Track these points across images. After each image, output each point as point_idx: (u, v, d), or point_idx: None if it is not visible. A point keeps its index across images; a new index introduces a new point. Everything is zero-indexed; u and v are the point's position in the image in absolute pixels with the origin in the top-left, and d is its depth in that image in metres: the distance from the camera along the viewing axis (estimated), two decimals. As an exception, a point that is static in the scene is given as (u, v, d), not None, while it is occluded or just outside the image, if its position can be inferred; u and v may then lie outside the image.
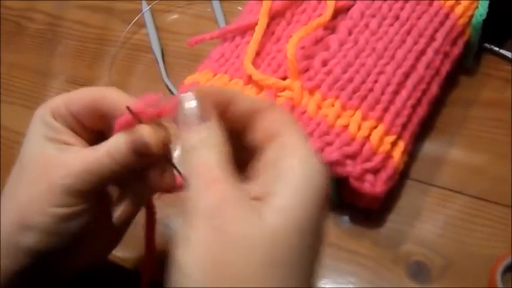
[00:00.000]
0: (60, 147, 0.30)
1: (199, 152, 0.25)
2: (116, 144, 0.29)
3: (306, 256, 0.24)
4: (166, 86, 0.52)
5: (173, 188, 0.32)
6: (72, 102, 0.31)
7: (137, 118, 0.29)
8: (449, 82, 0.45)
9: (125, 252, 0.42)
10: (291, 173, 0.24)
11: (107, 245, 0.35)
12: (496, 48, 0.48)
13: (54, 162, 0.30)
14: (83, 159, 0.29)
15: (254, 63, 0.43)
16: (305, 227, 0.24)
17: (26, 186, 0.30)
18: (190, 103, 0.26)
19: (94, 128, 0.32)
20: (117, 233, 0.35)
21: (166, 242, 0.42)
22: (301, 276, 0.24)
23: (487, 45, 0.48)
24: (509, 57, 0.47)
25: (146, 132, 0.29)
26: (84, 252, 0.33)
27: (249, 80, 0.42)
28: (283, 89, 0.41)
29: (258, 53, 0.44)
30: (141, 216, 0.36)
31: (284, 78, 0.42)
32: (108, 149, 0.29)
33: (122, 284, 0.41)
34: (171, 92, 0.51)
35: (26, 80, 0.58)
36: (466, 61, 0.46)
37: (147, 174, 0.31)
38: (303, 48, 0.42)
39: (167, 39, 0.55)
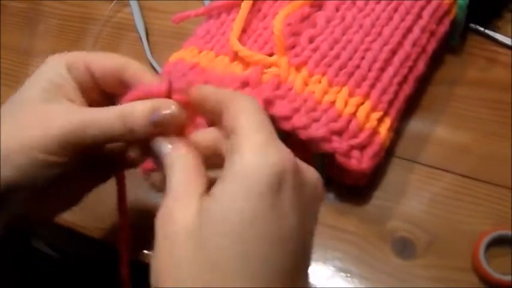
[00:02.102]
0: (61, 100, 0.31)
1: (170, 172, 0.28)
2: (132, 110, 0.30)
3: (232, 244, 0.24)
4: (151, 64, 0.51)
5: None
6: (94, 62, 0.32)
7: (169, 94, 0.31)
8: (435, 61, 0.45)
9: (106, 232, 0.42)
10: (234, 164, 0.26)
11: (73, 199, 0.36)
12: (481, 28, 0.48)
13: (54, 111, 0.30)
14: (92, 114, 0.30)
15: (240, 40, 0.42)
16: (231, 217, 0.25)
17: (18, 124, 0.30)
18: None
19: (106, 91, 0.33)
20: (84, 189, 0.35)
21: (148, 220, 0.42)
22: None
23: (472, 25, 0.48)
24: (494, 37, 0.47)
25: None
26: (50, 201, 0.33)
27: (235, 56, 0.42)
28: (270, 66, 0.41)
29: (244, 30, 0.43)
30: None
31: (271, 55, 0.41)
32: (123, 112, 0.30)
33: (104, 263, 0.40)
34: (156, 71, 0.50)
35: (7, 59, 0.57)
36: (452, 40, 0.46)
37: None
38: (289, 25, 0.42)
39: (151, 17, 0.55)
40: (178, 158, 0.28)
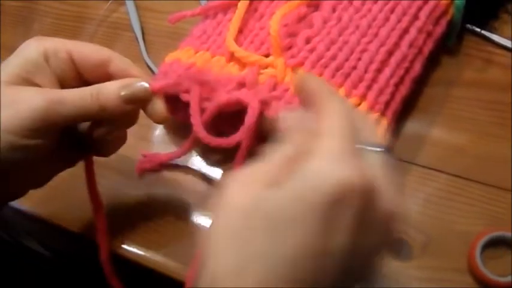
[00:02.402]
0: (32, 84, 0.32)
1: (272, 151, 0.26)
2: (104, 86, 0.32)
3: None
4: (147, 64, 0.51)
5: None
6: (77, 52, 0.33)
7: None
8: (432, 62, 0.45)
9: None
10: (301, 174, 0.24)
11: (40, 181, 0.36)
12: (478, 29, 0.48)
13: (24, 94, 0.31)
14: (63, 92, 0.32)
15: (236, 40, 0.42)
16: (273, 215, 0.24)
17: None
18: None
19: (88, 81, 0.34)
20: (52, 171, 0.36)
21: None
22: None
23: (469, 26, 0.48)
24: (490, 38, 0.47)
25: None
26: (16, 182, 0.34)
27: (231, 57, 0.42)
28: (266, 66, 0.41)
29: (240, 30, 0.43)
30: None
31: (267, 56, 0.41)
32: (95, 89, 0.32)
33: (95, 260, 0.40)
34: (152, 71, 0.50)
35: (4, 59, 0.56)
36: (449, 41, 0.46)
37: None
38: (286, 25, 0.42)
39: (147, 17, 0.54)
40: (283, 146, 0.26)
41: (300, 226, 0.23)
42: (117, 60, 0.34)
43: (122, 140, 0.37)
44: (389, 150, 0.26)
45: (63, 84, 0.33)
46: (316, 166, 0.24)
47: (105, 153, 0.37)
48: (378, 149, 0.26)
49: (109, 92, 0.32)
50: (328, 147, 0.24)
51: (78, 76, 0.34)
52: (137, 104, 0.33)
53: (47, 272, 0.62)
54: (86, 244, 0.42)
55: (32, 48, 0.33)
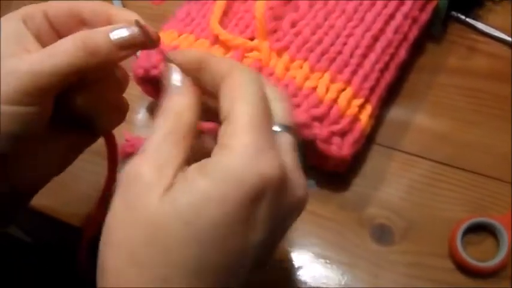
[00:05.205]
0: (19, 53, 0.29)
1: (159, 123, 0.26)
2: (93, 32, 0.29)
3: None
4: (130, 47, 0.50)
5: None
6: (50, 8, 0.31)
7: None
8: (417, 49, 0.45)
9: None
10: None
11: (51, 167, 0.34)
12: (463, 17, 0.48)
13: (12, 65, 0.28)
14: (48, 48, 0.29)
15: (221, 23, 0.42)
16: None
17: None
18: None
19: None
20: (63, 158, 0.34)
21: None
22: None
23: (454, 13, 0.48)
24: (474, 26, 0.47)
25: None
26: (27, 166, 0.32)
27: (216, 40, 0.41)
28: (251, 50, 0.40)
29: (225, 13, 0.42)
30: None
31: (252, 39, 0.41)
32: (83, 35, 0.29)
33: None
34: (134, 54, 0.49)
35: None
36: (434, 28, 0.46)
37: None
38: (271, 8, 0.41)
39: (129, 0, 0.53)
40: (176, 110, 0.26)
41: (223, 228, 0.23)
42: (89, 4, 0.31)
43: (120, 109, 0.34)
44: (295, 130, 0.26)
45: (45, 46, 0.31)
46: (237, 163, 0.23)
47: (104, 126, 0.34)
48: (288, 130, 0.26)
49: (97, 36, 0.29)
50: (247, 141, 0.23)
51: (57, 34, 0.31)
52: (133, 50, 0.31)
53: (29, 258, 0.61)
54: (70, 231, 0.41)
55: (11, 19, 0.31)
